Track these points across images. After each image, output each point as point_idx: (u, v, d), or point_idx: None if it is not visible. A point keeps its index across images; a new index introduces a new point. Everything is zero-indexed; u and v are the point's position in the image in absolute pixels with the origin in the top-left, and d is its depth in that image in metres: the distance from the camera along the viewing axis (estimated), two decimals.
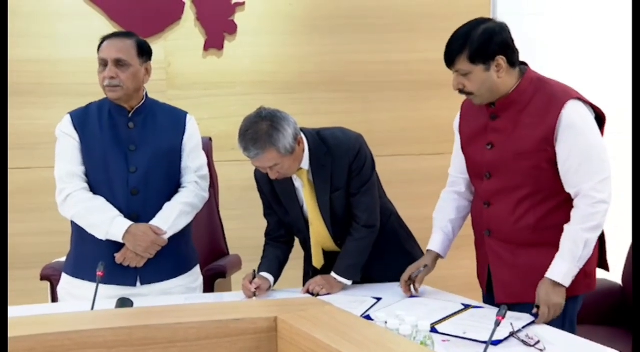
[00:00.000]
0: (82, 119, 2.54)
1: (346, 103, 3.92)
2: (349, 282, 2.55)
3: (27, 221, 3.64)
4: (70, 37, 3.70)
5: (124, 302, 2.15)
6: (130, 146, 2.52)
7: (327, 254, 2.65)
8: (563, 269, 2.13)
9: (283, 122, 2.37)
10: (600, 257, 2.27)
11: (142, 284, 2.53)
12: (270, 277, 2.56)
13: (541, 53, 3.92)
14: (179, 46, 3.79)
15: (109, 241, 2.47)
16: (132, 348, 1.19)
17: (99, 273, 2.17)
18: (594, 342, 1.97)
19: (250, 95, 3.76)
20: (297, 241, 2.75)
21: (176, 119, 2.63)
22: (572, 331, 2.19)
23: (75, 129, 2.52)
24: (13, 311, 1.57)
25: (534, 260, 2.22)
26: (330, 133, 2.55)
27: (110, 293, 2.36)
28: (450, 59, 2.17)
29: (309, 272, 2.72)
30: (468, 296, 2.46)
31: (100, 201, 2.48)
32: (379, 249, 2.62)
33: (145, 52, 2.53)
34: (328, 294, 2.49)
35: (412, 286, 2.45)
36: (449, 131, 2.51)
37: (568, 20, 4.14)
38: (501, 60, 2.14)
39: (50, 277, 2.86)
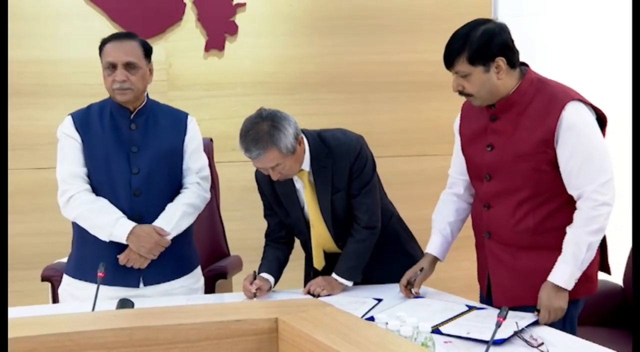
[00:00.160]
0: (83, 120, 2.54)
1: (347, 104, 3.92)
2: (349, 283, 2.55)
3: (28, 222, 3.64)
4: (71, 38, 3.70)
5: (125, 303, 2.15)
6: (132, 148, 2.52)
7: (328, 256, 2.65)
8: (565, 272, 2.12)
9: (284, 121, 2.37)
10: (601, 260, 2.26)
11: (145, 285, 2.53)
12: (271, 278, 2.56)
13: (542, 53, 3.92)
14: (179, 47, 3.80)
15: (110, 242, 2.47)
16: (133, 349, 1.19)
17: (100, 274, 2.17)
18: (594, 343, 1.97)
19: (251, 96, 3.77)
20: (297, 242, 2.75)
21: (177, 120, 2.63)
22: (572, 333, 2.18)
23: (77, 130, 2.52)
24: (14, 312, 1.57)
25: (533, 263, 2.21)
26: (331, 134, 2.55)
27: (113, 294, 2.36)
28: (450, 60, 2.16)
29: (310, 273, 2.72)
30: (469, 297, 2.46)
31: (103, 202, 2.48)
32: (380, 251, 2.62)
33: (149, 53, 2.54)
34: (329, 295, 2.49)
35: (412, 290, 2.44)
36: (449, 132, 2.50)
37: (568, 20, 4.14)
38: (501, 61, 2.13)
39: (51, 278, 2.86)
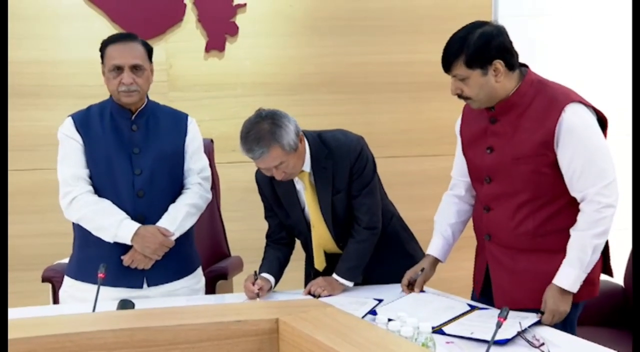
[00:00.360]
0: (84, 121, 2.54)
1: (347, 104, 3.92)
2: (350, 284, 2.55)
3: (28, 223, 3.64)
4: (71, 39, 3.70)
5: (125, 304, 2.15)
6: (134, 149, 2.52)
7: (328, 256, 2.65)
8: (571, 275, 2.12)
9: (284, 119, 2.38)
10: (604, 262, 2.25)
11: (148, 286, 2.53)
12: (271, 278, 2.55)
13: (542, 54, 3.92)
14: (180, 48, 3.80)
15: (113, 243, 2.47)
16: (133, 350, 1.19)
17: (100, 275, 2.17)
18: (595, 344, 1.97)
19: (251, 97, 3.77)
20: (298, 243, 2.75)
21: (178, 121, 2.63)
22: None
23: (78, 131, 2.52)
24: (14, 313, 1.57)
25: (533, 266, 2.20)
26: (331, 135, 2.55)
27: (117, 295, 2.35)
28: (447, 64, 2.15)
29: (310, 273, 2.72)
30: (470, 297, 2.46)
31: (106, 203, 2.48)
32: (381, 251, 2.62)
33: (151, 54, 2.54)
34: (329, 295, 2.49)
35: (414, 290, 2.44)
36: (450, 133, 2.50)
37: (569, 21, 4.14)
38: (499, 64, 2.11)
39: (52, 278, 2.87)
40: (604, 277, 2.35)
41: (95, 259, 2.37)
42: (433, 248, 2.47)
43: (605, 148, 2.13)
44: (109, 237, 2.46)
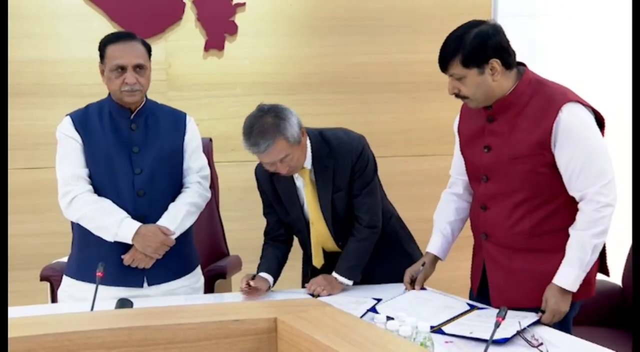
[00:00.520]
0: (82, 120, 2.54)
1: (347, 104, 3.92)
2: (350, 283, 2.55)
3: (27, 222, 3.64)
4: (71, 38, 3.70)
5: (124, 303, 2.15)
6: (134, 148, 2.52)
7: (326, 254, 2.65)
8: (571, 275, 2.12)
9: (286, 112, 2.39)
10: (600, 262, 2.25)
11: (149, 285, 2.53)
12: (270, 278, 2.55)
13: (541, 54, 3.92)
14: (179, 47, 3.79)
15: (113, 243, 2.47)
16: (132, 349, 1.19)
17: (99, 274, 2.16)
18: (593, 343, 1.97)
19: (250, 97, 3.76)
20: (296, 242, 2.75)
21: (176, 120, 2.63)
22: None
23: (77, 130, 2.52)
24: (12, 312, 1.56)
25: (530, 265, 2.21)
26: (333, 133, 2.55)
27: (118, 295, 2.34)
28: (444, 63, 2.16)
29: (308, 272, 2.72)
30: (468, 297, 2.46)
31: (107, 202, 2.48)
32: (380, 251, 2.62)
33: (150, 52, 2.54)
34: (329, 295, 2.49)
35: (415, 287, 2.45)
36: (449, 132, 2.50)
37: (568, 21, 4.14)
38: (495, 63, 2.11)
39: (50, 277, 2.86)
40: (602, 277, 2.35)
41: (95, 259, 2.37)
42: (432, 246, 2.47)
43: (603, 147, 2.13)
44: (109, 236, 2.46)
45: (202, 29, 3.81)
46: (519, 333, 1.96)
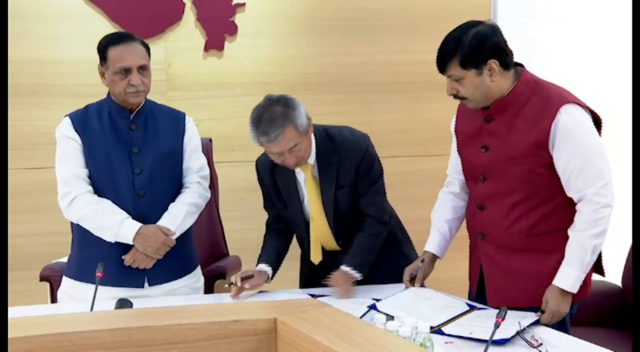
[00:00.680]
0: (82, 121, 2.53)
1: (347, 104, 3.92)
2: (360, 277, 2.51)
3: (27, 222, 3.63)
4: (70, 38, 3.69)
5: (123, 303, 2.15)
6: (133, 148, 2.52)
7: (324, 252, 2.64)
8: (571, 276, 2.12)
9: (295, 101, 2.40)
10: (596, 262, 2.25)
11: (149, 285, 2.53)
12: (269, 269, 2.55)
13: (541, 54, 3.92)
14: (179, 47, 3.79)
15: (113, 243, 2.46)
16: (132, 349, 1.19)
17: (98, 274, 2.16)
18: (593, 344, 1.97)
19: (250, 97, 3.73)
20: (295, 242, 2.75)
21: (175, 120, 2.63)
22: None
23: (76, 131, 2.52)
24: (12, 312, 1.56)
25: (527, 265, 2.21)
26: (338, 131, 2.56)
27: (118, 295, 2.33)
28: (442, 65, 2.16)
29: (305, 271, 2.71)
30: (467, 297, 2.46)
31: (107, 203, 2.48)
32: (380, 252, 2.61)
33: (149, 52, 2.53)
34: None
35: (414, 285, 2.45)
36: (449, 133, 2.50)
37: (568, 21, 4.14)
38: (494, 63, 2.11)
39: (50, 278, 2.86)
40: (601, 278, 2.35)
41: (96, 259, 2.37)
42: (430, 244, 2.48)
43: (601, 148, 2.13)
44: (110, 237, 2.46)
45: (202, 29, 3.81)
46: (518, 334, 1.96)
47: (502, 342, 1.91)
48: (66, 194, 2.49)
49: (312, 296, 2.47)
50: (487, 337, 1.84)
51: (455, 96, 2.20)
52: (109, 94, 2.55)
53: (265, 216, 2.72)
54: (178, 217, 2.52)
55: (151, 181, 2.52)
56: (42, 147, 3.54)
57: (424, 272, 2.45)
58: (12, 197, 3.40)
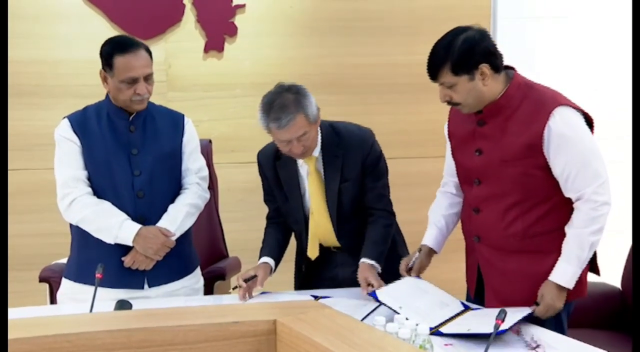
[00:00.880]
0: (81, 122, 2.53)
1: (346, 105, 3.91)
2: (380, 268, 2.50)
3: (26, 222, 3.63)
4: (70, 39, 3.70)
5: (123, 305, 2.14)
6: (133, 150, 2.51)
7: (321, 248, 2.63)
8: (568, 272, 2.13)
9: (306, 90, 2.42)
10: (590, 261, 2.26)
11: (149, 286, 2.53)
12: (271, 261, 2.55)
13: (541, 56, 3.92)
14: (179, 48, 3.79)
15: (112, 245, 2.46)
16: (131, 350, 1.19)
17: (98, 275, 2.16)
18: (593, 346, 1.97)
19: (250, 98, 3.76)
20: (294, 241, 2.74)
21: (174, 122, 2.62)
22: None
23: (76, 133, 2.51)
24: (11, 313, 1.56)
25: (524, 266, 2.22)
26: (344, 126, 2.58)
27: (118, 296, 2.33)
28: (434, 72, 2.16)
29: (301, 267, 2.70)
30: (465, 299, 2.46)
31: (107, 204, 2.48)
32: None
33: (151, 56, 2.52)
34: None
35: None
36: None
37: (568, 23, 4.15)
38: (485, 68, 2.12)
39: (49, 278, 2.86)
40: (601, 279, 2.35)
41: (95, 261, 2.36)
42: (427, 238, 2.48)
43: (596, 148, 2.15)
44: (109, 238, 2.46)
45: (202, 30, 3.81)
46: (518, 334, 1.96)
47: (500, 333, 1.91)
48: (65, 195, 2.49)
49: (315, 297, 2.47)
50: (485, 331, 1.86)
51: (449, 102, 2.21)
52: (107, 95, 2.54)
53: (264, 216, 2.72)
54: (177, 218, 2.52)
55: (150, 182, 2.51)
56: (42, 148, 3.53)
57: (420, 263, 2.45)
58: (12, 198, 3.40)
